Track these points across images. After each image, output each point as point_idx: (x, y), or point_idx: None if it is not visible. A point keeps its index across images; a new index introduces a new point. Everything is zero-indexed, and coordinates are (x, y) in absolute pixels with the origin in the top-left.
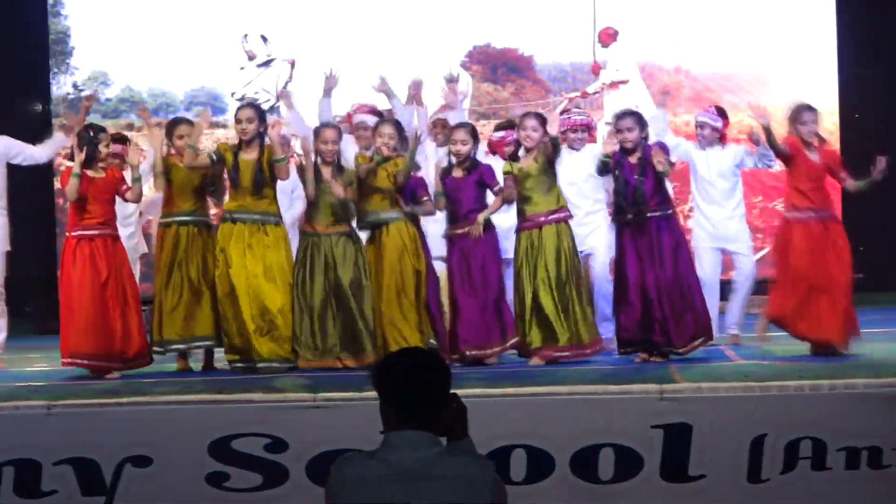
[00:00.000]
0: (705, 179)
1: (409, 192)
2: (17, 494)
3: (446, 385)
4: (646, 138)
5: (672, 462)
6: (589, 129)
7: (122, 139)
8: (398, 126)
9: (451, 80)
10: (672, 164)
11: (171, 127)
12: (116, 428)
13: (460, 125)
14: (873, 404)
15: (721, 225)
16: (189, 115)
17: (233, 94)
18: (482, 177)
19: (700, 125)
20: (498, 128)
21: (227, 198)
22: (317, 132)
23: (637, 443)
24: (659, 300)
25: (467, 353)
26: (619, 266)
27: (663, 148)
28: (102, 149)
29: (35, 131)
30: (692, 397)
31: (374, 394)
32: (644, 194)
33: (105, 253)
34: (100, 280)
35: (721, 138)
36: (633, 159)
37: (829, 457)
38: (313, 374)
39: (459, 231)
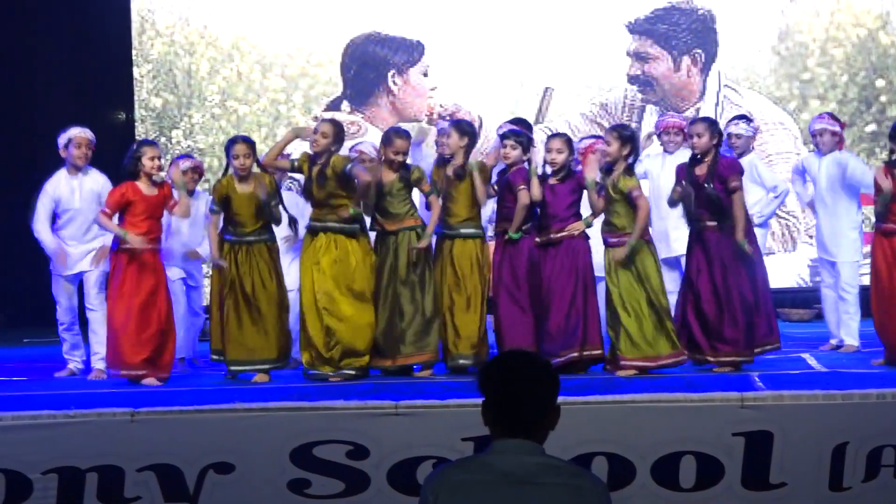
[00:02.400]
0: (821, 188)
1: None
2: (101, 500)
3: (553, 393)
4: (717, 145)
5: (753, 470)
6: (682, 131)
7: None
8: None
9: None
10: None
11: (229, 146)
12: (199, 435)
13: (556, 135)
14: None
15: (832, 238)
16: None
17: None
18: (578, 184)
19: (820, 132)
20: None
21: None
22: (388, 140)
23: (718, 450)
24: (731, 308)
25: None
26: (690, 275)
27: (734, 167)
28: (146, 162)
29: (119, 140)
30: (773, 405)
31: (454, 402)
32: (719, 200)
33: (151, 266)
34: (145, 292)
35: (839, 143)
36: (701, 169)
37: None
38: (395, 381)
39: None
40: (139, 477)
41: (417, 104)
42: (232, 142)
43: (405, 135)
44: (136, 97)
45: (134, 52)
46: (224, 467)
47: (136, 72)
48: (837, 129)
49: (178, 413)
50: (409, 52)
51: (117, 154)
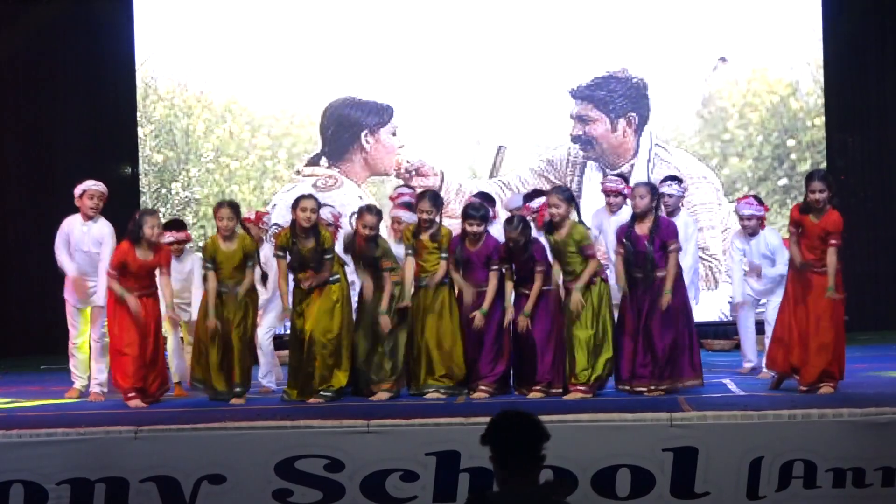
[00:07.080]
0: (754, 263)
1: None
2: None
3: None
4: (656, 207)
5: (680, 481)
6: (620, 193)
7: (181, 225)
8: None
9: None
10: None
11: (216, 209)
12: (194, 450)
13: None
14: (857, 431)
15: (762, 287)
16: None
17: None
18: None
19: (748, 217)
20: (533, 196)
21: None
22: (360, 214)
23: (650, 464)
24: (652, 347)
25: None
26: (621, 317)
27: (672, 230)
28: (147, 230)
29: (125, 191)
30: (698, 424)
31: (418, 420)
32: (654, 260)
33: (145, 308)
34: (142, 329)
35: (762, 224)
36: (641, 229)
37: (818, 477)
38: (367, 403)
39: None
40: (142, 487)
41: (387, 160)
42: (218, 205)
43: (376, 212)
44: (140, 154)
45: (138, 114)
46: (216, 478)
47: (140, 131)
48: (762, 213)
49: (176, 430)
50: (380, 114)
51: (124, 202)
